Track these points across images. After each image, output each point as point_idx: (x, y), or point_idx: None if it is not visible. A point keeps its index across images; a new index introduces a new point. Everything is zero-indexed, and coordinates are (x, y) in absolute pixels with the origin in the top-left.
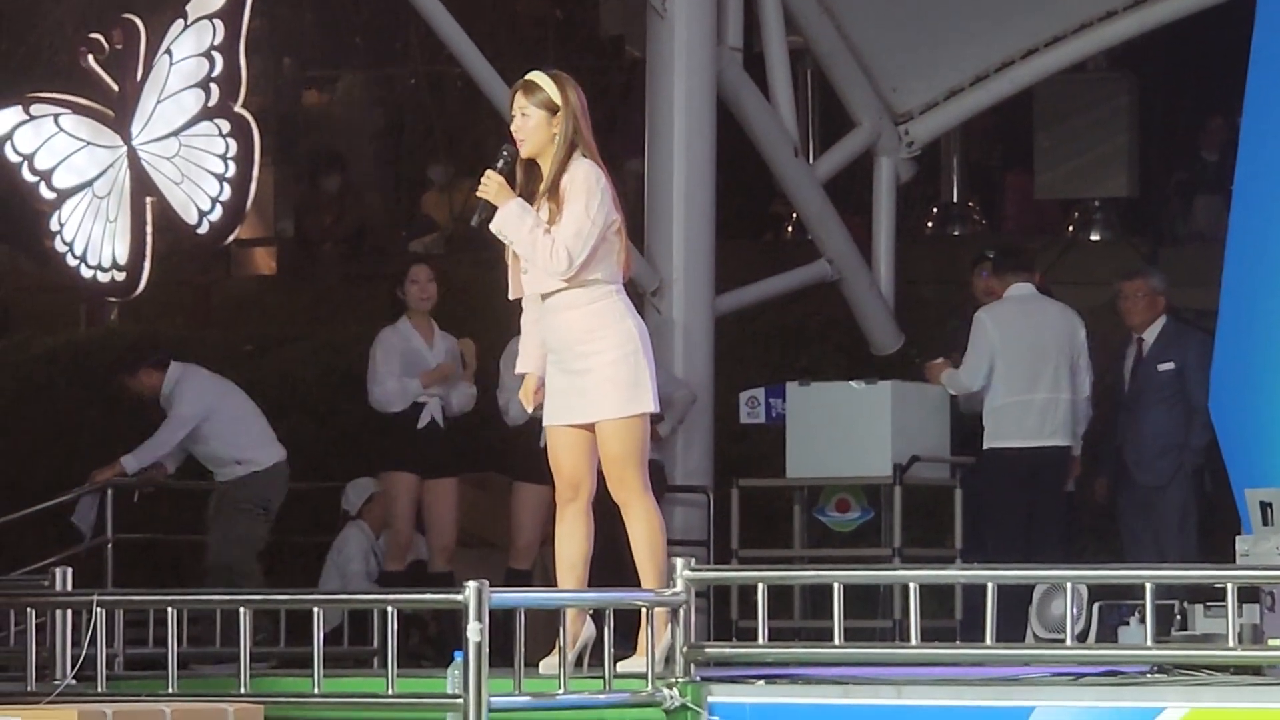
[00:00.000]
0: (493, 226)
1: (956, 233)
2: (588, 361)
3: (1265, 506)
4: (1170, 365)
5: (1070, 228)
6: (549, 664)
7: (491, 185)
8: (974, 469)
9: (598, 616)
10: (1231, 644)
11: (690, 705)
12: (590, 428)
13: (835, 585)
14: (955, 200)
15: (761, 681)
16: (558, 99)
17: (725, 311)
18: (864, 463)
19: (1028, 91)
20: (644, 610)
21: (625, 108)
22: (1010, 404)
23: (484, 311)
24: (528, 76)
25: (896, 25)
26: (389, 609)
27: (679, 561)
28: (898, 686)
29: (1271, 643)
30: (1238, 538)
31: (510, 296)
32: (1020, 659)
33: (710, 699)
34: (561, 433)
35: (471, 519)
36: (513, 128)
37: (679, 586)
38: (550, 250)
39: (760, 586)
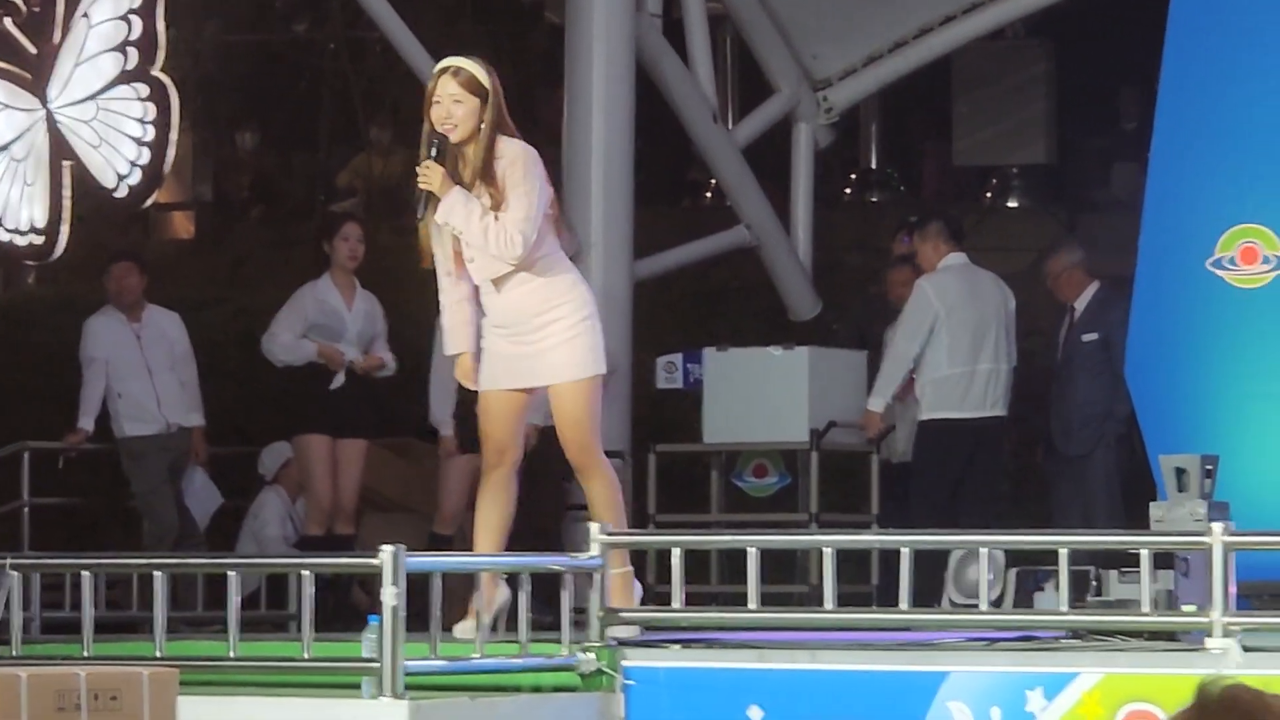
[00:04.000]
0: (439, 218)
1: (875, 199)
2: (546, 330)
3: (1180, 472)
4: (1094, 335)
5: (988, 194)
6: (464, 628)
7: (435, 177)
8: (916, 439)
9: (513, 581)
10: (1146, 609)
11: (606, 670)
12: (529, 392)
13: (751, 550)
14: (874, 167)
15: (677, 646)
16: (486, 84)
17: (644, 277)
18: (781, 428)
19: (946, 58)
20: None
21: (544, 74)
22: (954, 375)
23: (401, 276)
24: (455, 63)
25: None
26: (304, 573)
27: (594, 526)
28: (813, 651)
29: (1185, 608)
30: (1152, 504)
31: (426, 265)
32: (935, 624)
33: (626, 663)
34: (499, 397)
35: (391, 484)
36: (440, 114)
37: (594, 551)
38: (503, 237)
39: (676, 551)
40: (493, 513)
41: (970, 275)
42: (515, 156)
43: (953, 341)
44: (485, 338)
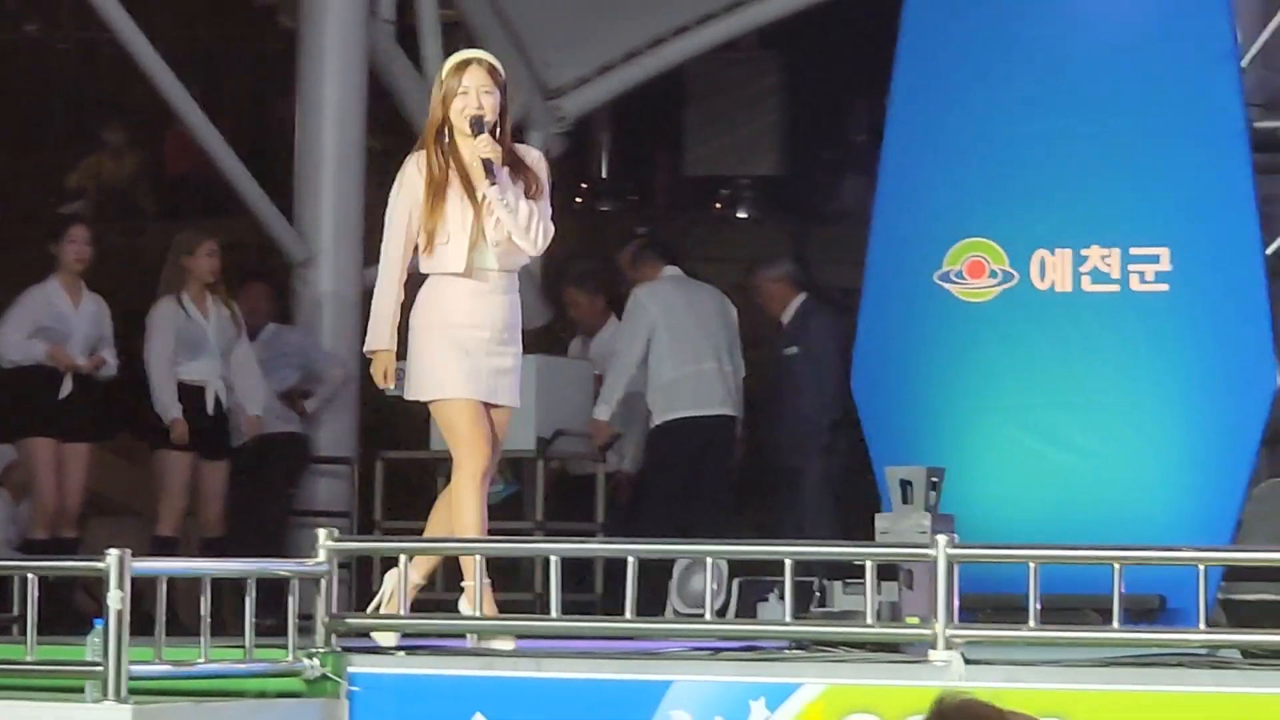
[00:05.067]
0: (494, 193)
1: (606, 208)
2: (511, 349)
3: (905, 484)
4: (794, 349)
5: (719, 205)
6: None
7: (498, 150)
8: (648, 445)
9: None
10: (869, 621)
11: (330, 675)
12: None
13: (477, 557)
14: (605, 176)
15: (402, 653)
16: (504, 76)
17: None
18: (508, 436)
19: (679, 68)
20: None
21: (277, 78)
22: (681, 376)
23: (128, 278)
24: (478, 54)
25: (549, 0)
26: (29, 576)
27: (321, 532)
28: (537, 659)
29: (909, 620)
30: (877, 515)
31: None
32: (659, 633)
33: (351, 669)
34: (480, 407)
35: (116, 487)
36: (470, 104)
37: (321, 557)
38: (542, 226)
39: (402, 557)
40: (480, 519)
41: (687, 285)
42: (539, 157)
43: (675, 345)
44: (462, 345)
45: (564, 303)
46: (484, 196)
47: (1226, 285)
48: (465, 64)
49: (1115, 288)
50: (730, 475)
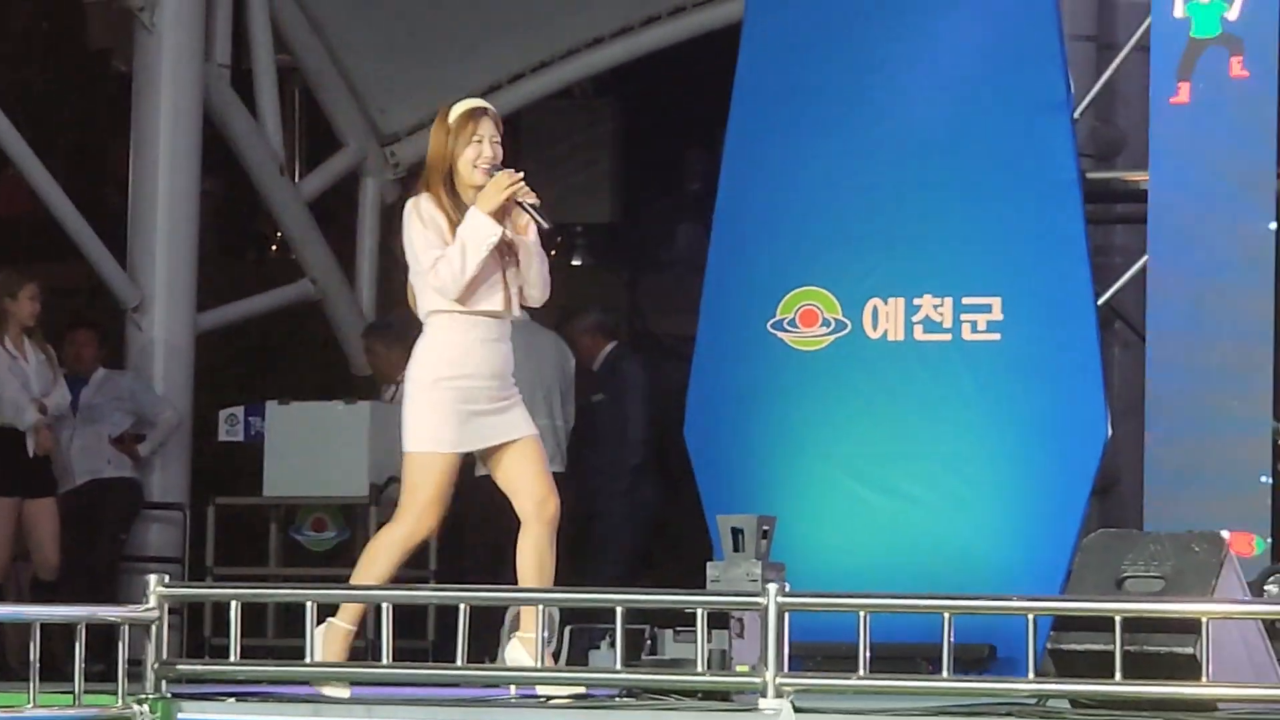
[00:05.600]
0: (530, 237)
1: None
2: (511, 389)
3: (736, 532)
4: (601, 396)
5: (553, 252)
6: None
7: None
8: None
9: (69, 632)
10: (700, 669)
11: None
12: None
13: (309, 604)
14: None
15: (233, 699)
16: None
17: (207, 329)
18: (341, 482)
19: (514, 115)
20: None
21: (111, 122)
22: None
23: None
24: (484, 103)
25: (385, 47)
26: None
27: (152, 578)
28: (368, 706)
29: (739, 668)
30: (709, 563)
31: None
32: (491, 680)
33: (181, 715)
34: (454, 463)
35: None
36: (484, 154)
37: (152, 603)
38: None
39: (234, 604)
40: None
41: (529, 332)
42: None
43: None
44: (462, 394)
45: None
46: (513, 238)
47: (1058, 335)
48: (477, 112)
49: (947, 337)
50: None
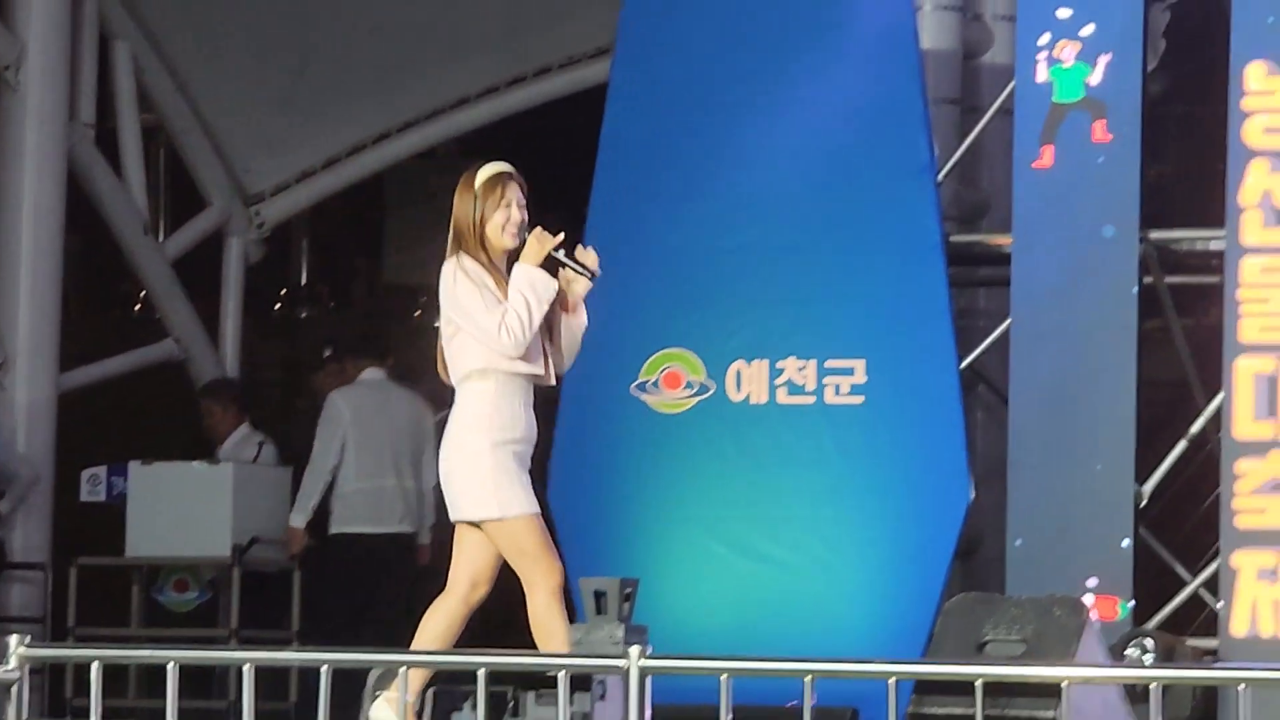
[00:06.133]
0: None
1: (305, 315)
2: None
3: (599, 595)
4: None
5: (418, 313)
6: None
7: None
8: (320, 552)
9: None
10: None
11: None
12: None
13: (170, 665)
14: (304, 283)
15: None
16: None
17: (70, 388)
18: (203, 543)
19: (379, 176)
20: None
21: None
22: (358, 490)
23: None
24: (509, 167)
25: (251, 106)
26: None
27: (13, 639)
28: None
29: None
30: (572, 626)
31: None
32: None
33: None
34: (543, 522)
35: None
36: (514, 218)
37: (12, 664)
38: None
39: (95, 665)
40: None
41: (385, 390)
42: None
43: (359, 455)
44: (517, 457)
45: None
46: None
47: (921, 398)
48: (504, 177)
49: (811, 400)
50: (401, 594)
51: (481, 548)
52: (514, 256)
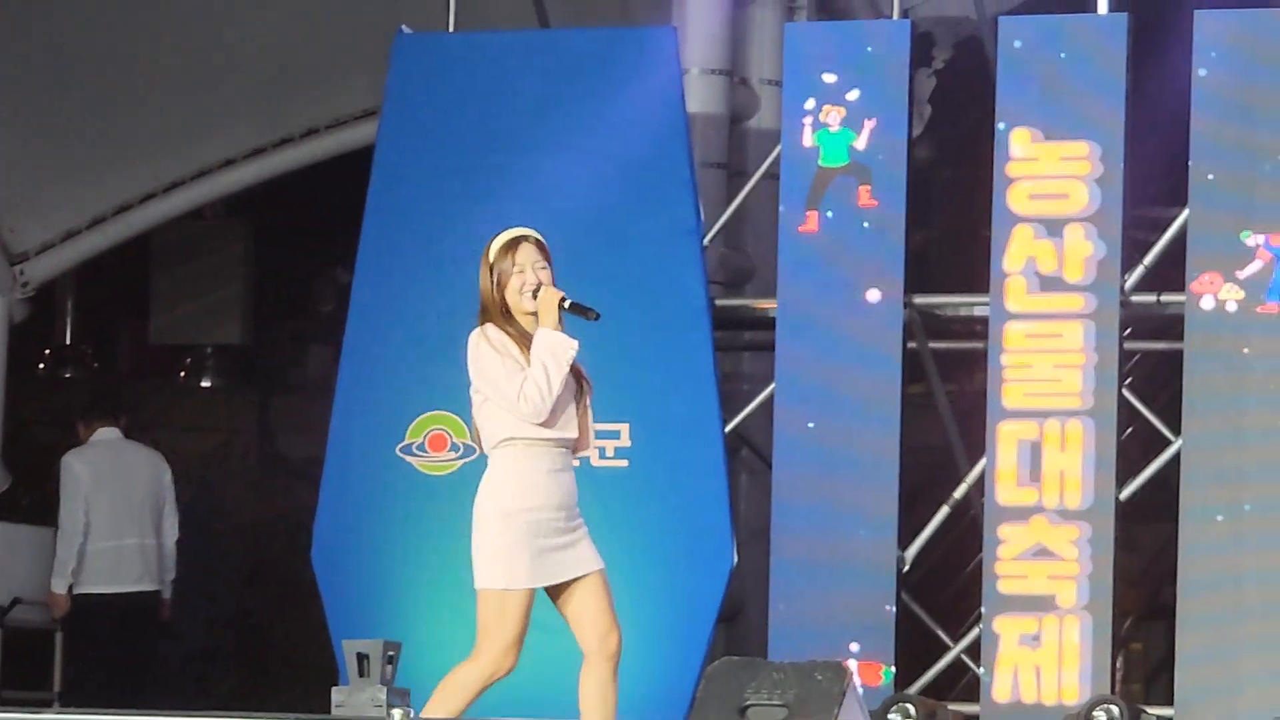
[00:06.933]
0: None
1: (69, 375)
2: (577, 522)
3: (362, 658)
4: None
5: (183, 373)
6: None
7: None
8: (72, 614)
9: None
10: None
11: None
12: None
13: None
14: (68, 342)
15: None
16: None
17: None
18: None
19: (146, 235)
20: None
21: None
22: (98, 550)
23: None
24: (526, 231)
25: (15, 166)
26: None
27: None
28: None
29: None
30: (334, 689)
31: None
32: None
33: None
34: (530, 594)
35: None
36: (527, 282)
37: None
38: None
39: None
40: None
41: (120, 449)
42: None
43: (96, 517)
44: (532, 527)
45: None
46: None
47: (685, 462)
48: (514, 242)
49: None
50: (153, 648)
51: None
52: None
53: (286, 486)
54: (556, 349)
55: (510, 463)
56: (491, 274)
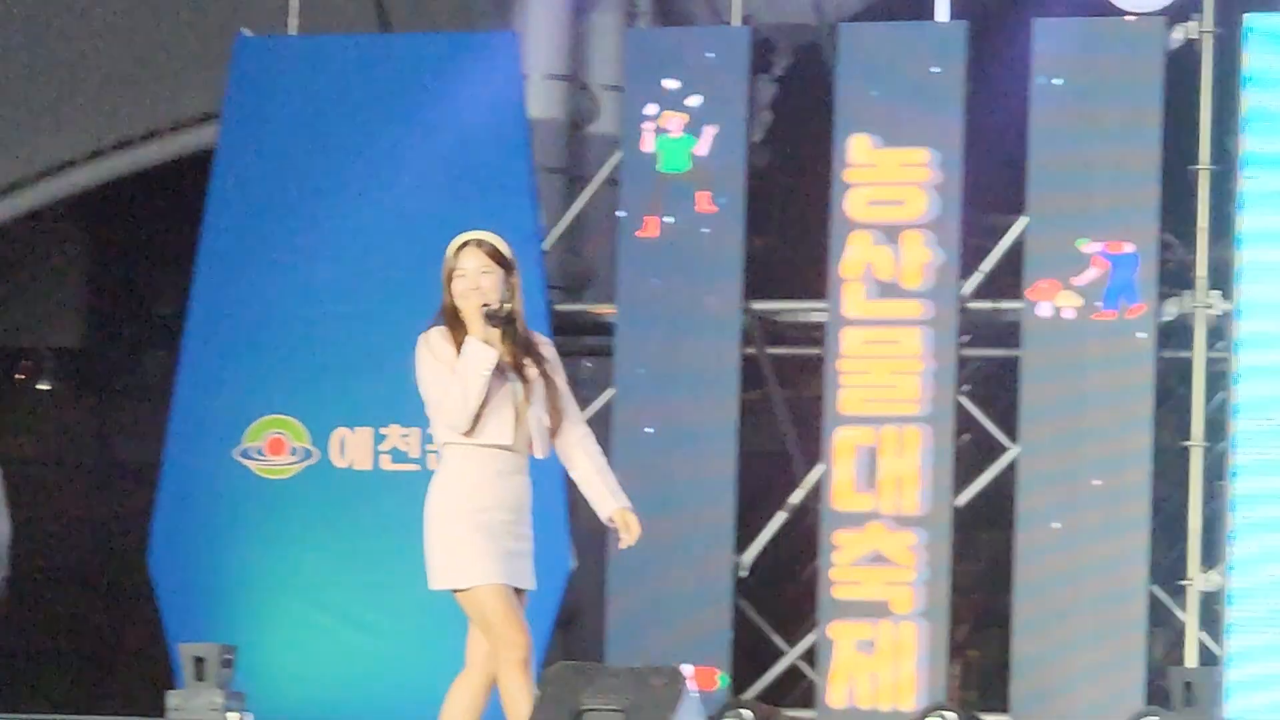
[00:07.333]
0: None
1: None
2: (528, 531)
3: (198, 661)
4: None
5: (20, 376)
6: None
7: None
8: None
9: None
10: None
11: None
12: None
13: None
14: None
15: None
16: (509, 255)
17: None
18: None
19: None
20: None
21: None
22: None
23: None
24: (477, 235)
25: None
26: None
27: None
28: None
29: None
30: (170, 693)
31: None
32: None
33: None
34: (511, 591)
35: None
36: (467, 287)
37: None
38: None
39: None
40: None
41: None
42: (550, 343)
43: None
44: (490, 526)
45: None
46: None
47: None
48: (462, 246)
49: (415, 467)
50: None
51: None
52: None
53: (123, 490)
54: (472, 358)
55: (458, 461)
56: (443, 279)
